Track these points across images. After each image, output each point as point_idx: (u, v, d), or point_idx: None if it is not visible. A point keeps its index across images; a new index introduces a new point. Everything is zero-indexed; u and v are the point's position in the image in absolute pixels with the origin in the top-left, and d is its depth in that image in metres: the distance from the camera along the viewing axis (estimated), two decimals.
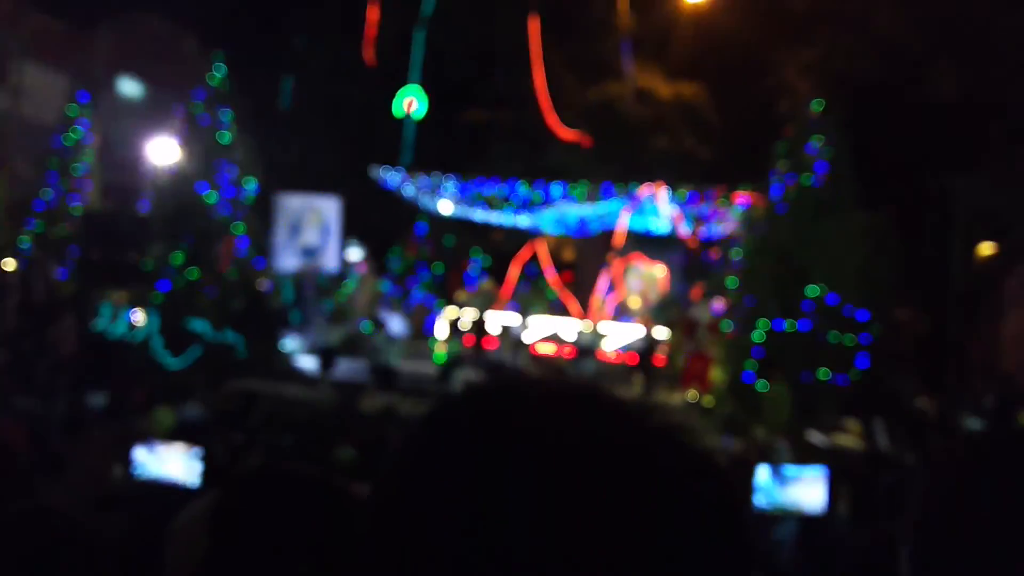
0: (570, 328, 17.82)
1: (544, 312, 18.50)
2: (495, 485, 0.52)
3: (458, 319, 17.81)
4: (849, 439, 11.39)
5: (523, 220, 20.11)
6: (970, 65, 16.72)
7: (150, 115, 18.67)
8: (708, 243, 17.66)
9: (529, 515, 0.51)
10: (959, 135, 17.36)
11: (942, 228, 15.68)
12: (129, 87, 23.67)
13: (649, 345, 15.26)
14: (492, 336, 16.80)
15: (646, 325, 16.13)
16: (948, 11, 16.79)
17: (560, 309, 18.94)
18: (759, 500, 5.44)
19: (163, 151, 15.29)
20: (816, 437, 10.60)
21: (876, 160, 13.87)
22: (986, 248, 15.27)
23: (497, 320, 17.37)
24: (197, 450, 3.93)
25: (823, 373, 11.90)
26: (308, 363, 15.29)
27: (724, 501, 0.56)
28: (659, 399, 14.27)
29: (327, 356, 14.50)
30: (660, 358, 15.52)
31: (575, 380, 0.61)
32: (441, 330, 17.68)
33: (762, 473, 5.46)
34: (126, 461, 3.95)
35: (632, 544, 0.51)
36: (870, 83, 17.40)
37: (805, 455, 8.61)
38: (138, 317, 13.72)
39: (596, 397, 0.58)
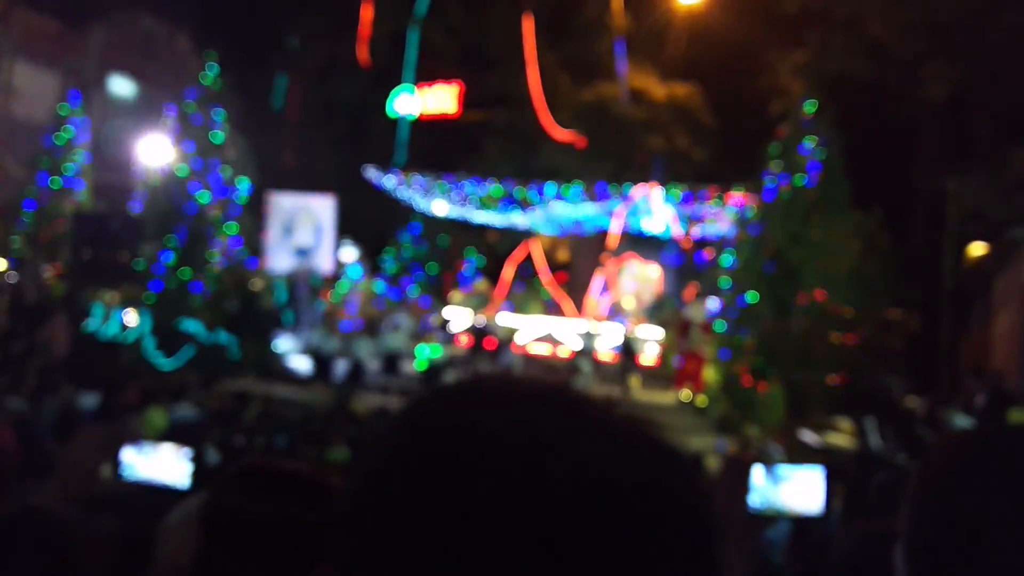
0: (565, 328, 17.84)
1: (539, 312, 18.52)
2: (459, 485, 0.52)
3: (449, 320, 17.82)
4: (841, 438, 11.42)
5: (517, 220, 20.11)
6: (961, 66, 16.78)
7: (142, 114, 18.61)
8: (702, 243, 17.70)
9: (493, 515, 0.51)
10: (950, 136, 17.42)
11: (933, 228, 15.73)
12: (121, 86, 23.59)
13: (627, 346, 15.39)
14: (490, 337, 16.83)
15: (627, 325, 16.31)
16: (939, 13, 16.85)
17: (555, 309, 18.96)
18: (754, 500, 5.44)
19: (155, 150, 15.24)
20: (808, 436, 10.63)
21: (868, 161, 13.92)
22: (976, 248, 15.35)
23: (492, 320, 17.37)
24: (187, 451, 3.91)
25: (815, 372, 11.93)
26: (302, 363, 15.28)
27: (689, 494, 0.56)
28: (649, 398, 14.30)
29: (322, 361, 14.57)
30: (641, 358, 15.72)
31: (545, 379, 0.61)
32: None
33: (757, 473, 5.46)
34: (116, 462, 3.93)
35: (595, 538, 0.51)
36: (862, 84, 17.45)
37: (798, 454, 8.64)
38: (130, 317, 13.68)
39: (562, 395, 0.58)
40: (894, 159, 16.99)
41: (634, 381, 15.05)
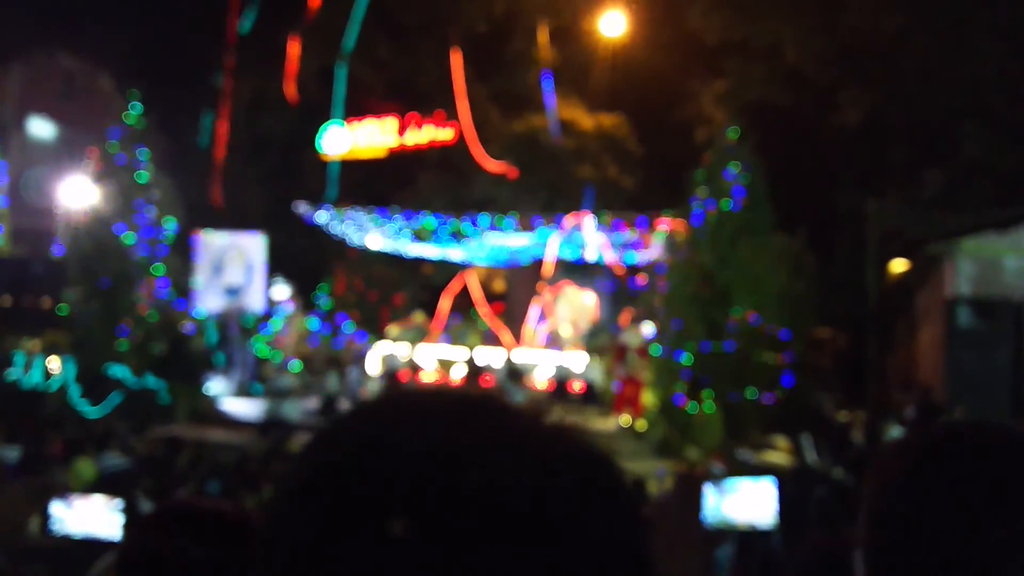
0: (501, 358, 17.83)
1: (477, 344, 18.47)
2: (375, 505, 0.50)
3: (390, 354, 17.64)
4: (778, 456, 11.63)
5: (453, 252, 20.11)
6: (875, 92, 17.55)
7: (64, 155, 18.06)
8: (635, 269, 17.95)
9: (412, 536, 0.49)
10: (867, 159, 18.16)
11: (855, 248, 16.28)
12: (40, 127, 22.88)
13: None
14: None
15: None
16: (853, 41, 17.63)
17: (492, 340, 18.95)
18: (707, 516, 5.49)
19: (78, 192, 14.78)
20: (747, 455, 10.80)
21: (790, 184, 14.37)
22: (897, 265, 15.92)
23: (429, 353, 17.28)
24: (118, 502, 3.76)
25: (750, 392, 12.16)
26: (235, 406, 14.91)
27: (616, 498, 0.56)
28: (589, 424, 14.36)
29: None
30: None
31: (468, 390, 0.59)
32: (373, 366, 17.48)
33: (708, 489, 5.52)
34: (44, 516, 3.75)
35: (520, 548, 0.50)
36: (782, 111, 18.08)
37: (737, 473, 8.75)
38: (53, 365, 13.17)
39: (485, 405, 0.57)
40: (815, 182, 17.59)
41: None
